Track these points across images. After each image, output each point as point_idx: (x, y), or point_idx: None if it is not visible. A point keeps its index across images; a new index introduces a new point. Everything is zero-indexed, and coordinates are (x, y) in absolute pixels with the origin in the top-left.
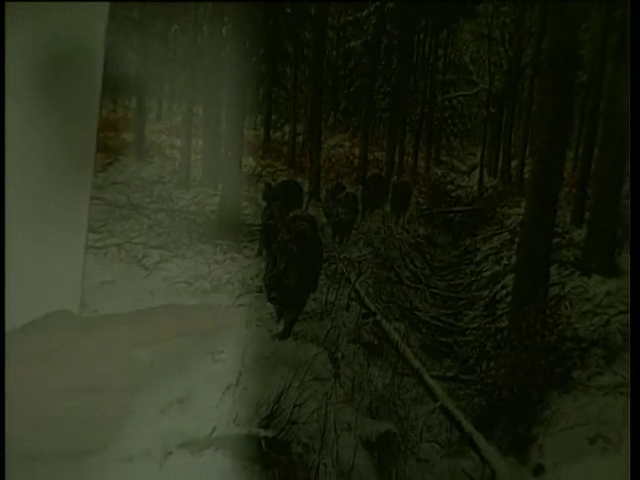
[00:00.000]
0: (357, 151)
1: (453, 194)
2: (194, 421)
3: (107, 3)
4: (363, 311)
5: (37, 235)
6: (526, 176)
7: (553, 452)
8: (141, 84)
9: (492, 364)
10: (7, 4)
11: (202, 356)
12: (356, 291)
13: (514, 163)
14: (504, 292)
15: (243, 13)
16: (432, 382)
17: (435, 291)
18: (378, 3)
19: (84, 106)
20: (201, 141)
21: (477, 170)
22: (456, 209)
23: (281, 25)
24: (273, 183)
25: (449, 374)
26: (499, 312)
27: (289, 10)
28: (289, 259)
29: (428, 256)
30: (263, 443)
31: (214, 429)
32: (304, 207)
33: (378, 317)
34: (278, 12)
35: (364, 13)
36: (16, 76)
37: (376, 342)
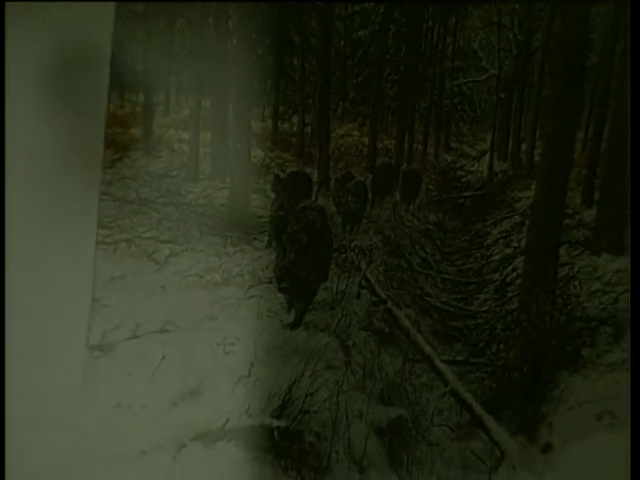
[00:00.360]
0: (366, 140)
1: (463, 180)
2: (207, 413)
3: (113, 1)
4: (374, 299)
5: (47, 232)
6: (536, 159)
7: (562, 430)
8: (148, 79)
9: (502, 346)
10: (7, 4)
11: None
12: (367, 279)
13: (524, 147)
14: (514, 275)
15: (249, 5)
16: (443, 367)
17: (446, 276)
18: None
19: (92, 103)
20: (209, 134)
21: (487, 155)
22: (466, 194)
23: (287, 16)
24: (282, 174)
25: (459, 358)
26: (509, 294)
27: (295, 1)
28: (299, 249)
29: (438, 242)
30: (275, 433)
31: (227, 421)
32: (313, 197)
33: (389, 304)
34: (284, 3)
35: (372, 2)
36: (25, 75)
37: (387, 329)
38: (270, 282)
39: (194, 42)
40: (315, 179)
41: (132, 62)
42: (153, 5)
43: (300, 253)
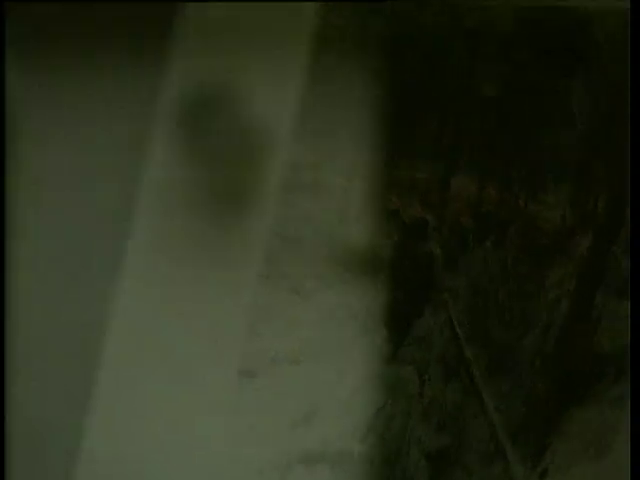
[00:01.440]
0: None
1: (539, 227)
2: (314, 438)
3: None
4: (452, 335)
5: (209, 262)
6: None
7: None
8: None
9: (537, 378)
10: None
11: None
12: (450, 318)
13: (591, 197)
14: (559, 316)
15: None
16: (487, 399)
17: (507, 316)
18: None
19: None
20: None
21: (561, 205)
22: (539, 242)
23: None
24: (406, 220)
25: (504, 389)
26: (551, 335)
27: None
28: (406, 288)
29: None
30: (356, 457)
31: (325, 444)
32: (427, 241)
33: (462, 342)
34: None
35: None
36: (162, 113)
37: (454, 364)
38: (377, 318)
39: None
40: (431, 224)
41: None
42: None
43: (406, 292)
